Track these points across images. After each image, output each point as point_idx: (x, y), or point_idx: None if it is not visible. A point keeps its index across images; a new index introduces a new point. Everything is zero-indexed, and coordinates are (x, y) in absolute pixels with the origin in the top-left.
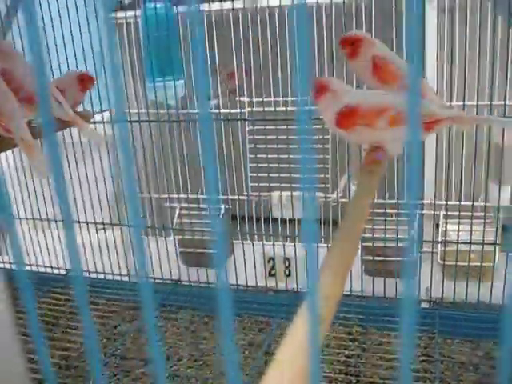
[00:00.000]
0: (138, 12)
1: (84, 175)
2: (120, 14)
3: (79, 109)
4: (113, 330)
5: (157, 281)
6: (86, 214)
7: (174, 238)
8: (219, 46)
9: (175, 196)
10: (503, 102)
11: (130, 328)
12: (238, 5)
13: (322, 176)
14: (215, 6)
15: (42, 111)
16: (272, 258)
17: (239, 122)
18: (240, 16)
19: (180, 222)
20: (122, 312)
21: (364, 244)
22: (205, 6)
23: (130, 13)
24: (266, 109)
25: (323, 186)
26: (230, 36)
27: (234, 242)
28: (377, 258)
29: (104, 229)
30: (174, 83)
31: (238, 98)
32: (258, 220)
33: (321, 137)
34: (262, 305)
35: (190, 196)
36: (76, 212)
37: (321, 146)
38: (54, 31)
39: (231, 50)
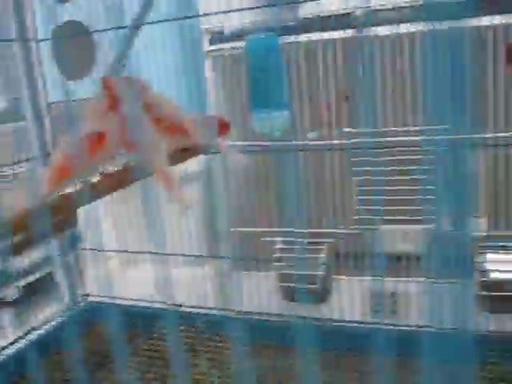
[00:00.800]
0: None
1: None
2: (224, 46)
3: None
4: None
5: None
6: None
7: (272, 273)
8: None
9: (275, 230)
10: None
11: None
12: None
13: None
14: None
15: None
16: (377, 294)
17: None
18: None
19: (279, 257)
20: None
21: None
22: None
23: (235, 44)
24: (372, 139)
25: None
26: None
27: (339, 276)
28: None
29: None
30: (280, 114)
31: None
32: (362, 254)
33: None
34: (366, 340)
35: (288, 230)
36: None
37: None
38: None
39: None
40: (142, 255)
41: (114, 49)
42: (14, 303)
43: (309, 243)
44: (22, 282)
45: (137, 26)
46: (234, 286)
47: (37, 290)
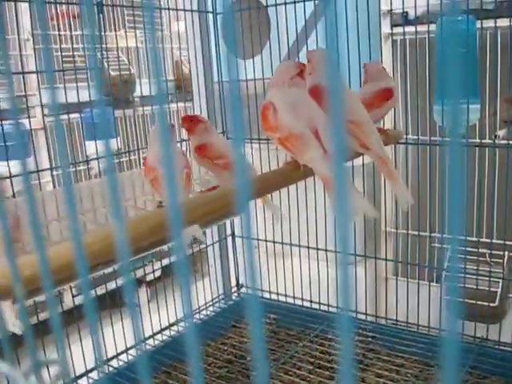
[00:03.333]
0: (423, 27)
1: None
2: (408, 29)
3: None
4: None
5: (420, 329)
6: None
7: (441, 284)
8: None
9: (447, 236)
10: None
11: None
12: None
13: None
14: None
15: None
16: None
17: None
18: None
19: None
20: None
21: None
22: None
23: (420, 28)
24: None
25: None
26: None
27: None
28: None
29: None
30: (468, 108)
31: None
32: None
33: None
34: None
35: (462, 238)
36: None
37: None
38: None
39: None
40: (293, 249)
41: (289, 26)
42: (152, 283)
43: (486, 255)
44: (162, 263)
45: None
46: (391, 293)
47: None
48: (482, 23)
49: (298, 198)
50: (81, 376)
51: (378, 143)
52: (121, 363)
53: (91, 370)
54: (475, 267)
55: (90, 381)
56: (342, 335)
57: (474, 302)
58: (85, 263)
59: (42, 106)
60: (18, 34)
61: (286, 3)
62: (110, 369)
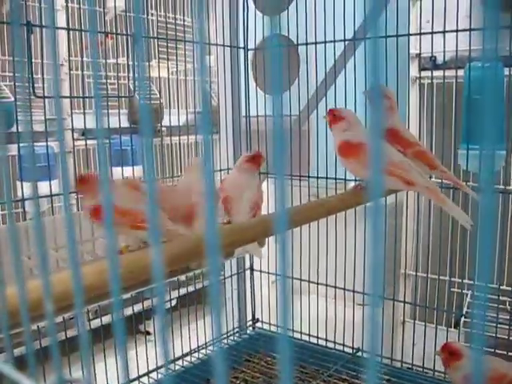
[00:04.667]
0: (451, 72)
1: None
2: (436, 74)
3: None
4: None
5: (437, 375)
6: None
7: (459, 330)
8: None
9: (466, 281)
10: None
11: None
12: None
13: None
14: None
15: None
16: None
17: None
18: None
19: (469, 312)
20: None
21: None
22: None
23: (447, 73)
24: None
25: None
26: None
27: None
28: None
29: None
30: (493, 153)
31: None
32: None
33: None
34: None
35: (482, 284)
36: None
37: None
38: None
39: None
40: (311, 287)
41: (318, 65)
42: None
43: (506, 302)
44: (177, 293)
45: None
46: (408, 336)
47: (191, 302)
48: (510, 70)
49: (318, 236)
50: None
51: (421, 176)
52: None
53: None
54: (495, 315)
55: None
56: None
57: (493, 350)
58: (118, 285)
59: (72, 129)
60: (55, 60)
61: (316, 43)
62: None
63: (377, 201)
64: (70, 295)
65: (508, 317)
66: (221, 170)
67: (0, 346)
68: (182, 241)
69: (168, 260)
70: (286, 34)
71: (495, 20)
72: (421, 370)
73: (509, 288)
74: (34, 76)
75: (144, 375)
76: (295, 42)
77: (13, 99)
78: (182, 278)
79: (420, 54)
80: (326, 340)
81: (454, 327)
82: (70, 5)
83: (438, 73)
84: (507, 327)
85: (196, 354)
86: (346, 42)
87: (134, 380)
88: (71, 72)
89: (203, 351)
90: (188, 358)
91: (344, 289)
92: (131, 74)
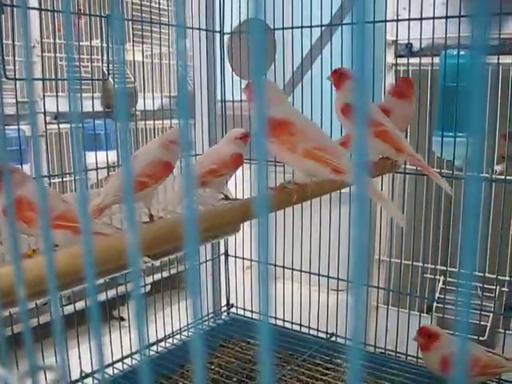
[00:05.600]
0: (427, 59)
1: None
2: (412, 60)
3: None
4: None
5: (409, 359)
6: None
7: (431, 315)
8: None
9: (439, 267)
10: None
11: None
12: None
13: None
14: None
15: None
16: None
17: None
18: None
19: (442, 298)
20: None
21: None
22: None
23: (423, 60)
24: None
25: None
26: None
27: (507, 331)
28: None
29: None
30: (467, 141)
31: None
32: None
33: None
34: None
35: (452, 270)
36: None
37: None
38: None
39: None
40: (286, 272)
41: (295, 50)
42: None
43: (477, 288)
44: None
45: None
46: (381, 321)
47: (165, 288)
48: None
49: (293, 222)
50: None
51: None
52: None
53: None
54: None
55: None
56: (351, 364)
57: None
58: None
59: (44, 113)
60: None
61: (292, 27)
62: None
63: (361, 186)
64: (43, 280)
65: (479, 302)
66: (196, 155)
67: None
68: (160, 225)
69: (144, 244)
70: (263, 19)
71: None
72: (393, 354)
73: (480, 274)
74: (5, 58)
75: (118, 361)
76: (271, 27)
77: None
78: (157, 263)
79: (397, 40)
80: (301, 325)
81: (427, 312)
82: None
83: (414, 60)
84: (478, 312)
85: (170, 340)
86: (323, 28)
87: (109, 366)
88: (43, 54)
89: (178, 337)
90: (162, 344)
91: (319, 274)
92: (105, 57)
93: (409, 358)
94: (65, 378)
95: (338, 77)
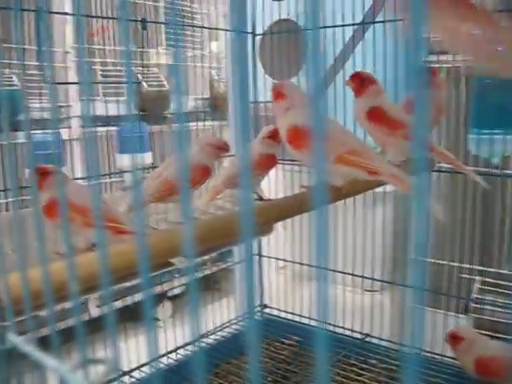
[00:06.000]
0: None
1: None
2: (446, 57)
3: None
4: None
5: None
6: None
7: (468, 316)
8: None
9: (476, 267)
10: None
11: None
12: None
13: None
14: None
15: None
16: None
17: None
18: None
19: (479, 298)
20: None
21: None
22: None
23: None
24: None
25: None
26: None
27: None
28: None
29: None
30: (505, 138)
31: None
32: None
33: None
34: None
35: (489, 269)
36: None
37: None
38: None
39: None
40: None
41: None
42: (174, 298)
43: None
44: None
45: (363, 25)
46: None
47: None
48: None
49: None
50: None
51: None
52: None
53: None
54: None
55: None
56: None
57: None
58: (107, 274)
59: (83, 117)
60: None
61: (325, 27)
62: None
63: (420, 182)
64: (96, 276)
65: None
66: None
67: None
68: (213, 219)
69: (200, 238)
70: (294, 19)
71: None
72: (430, 355)
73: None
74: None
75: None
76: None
77: (19, 87)
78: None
79: (429, 37)
80: (334, 326)
81: (463, 313)
82: None
83: (444, 57)
84: None
85: (205, 339)
86: (355, 27)
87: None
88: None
89: (212, 337)
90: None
91: (352, 274)
92: (138, 61)
93: (446, 358)
94: (116, 371)
95: (361, 82)
